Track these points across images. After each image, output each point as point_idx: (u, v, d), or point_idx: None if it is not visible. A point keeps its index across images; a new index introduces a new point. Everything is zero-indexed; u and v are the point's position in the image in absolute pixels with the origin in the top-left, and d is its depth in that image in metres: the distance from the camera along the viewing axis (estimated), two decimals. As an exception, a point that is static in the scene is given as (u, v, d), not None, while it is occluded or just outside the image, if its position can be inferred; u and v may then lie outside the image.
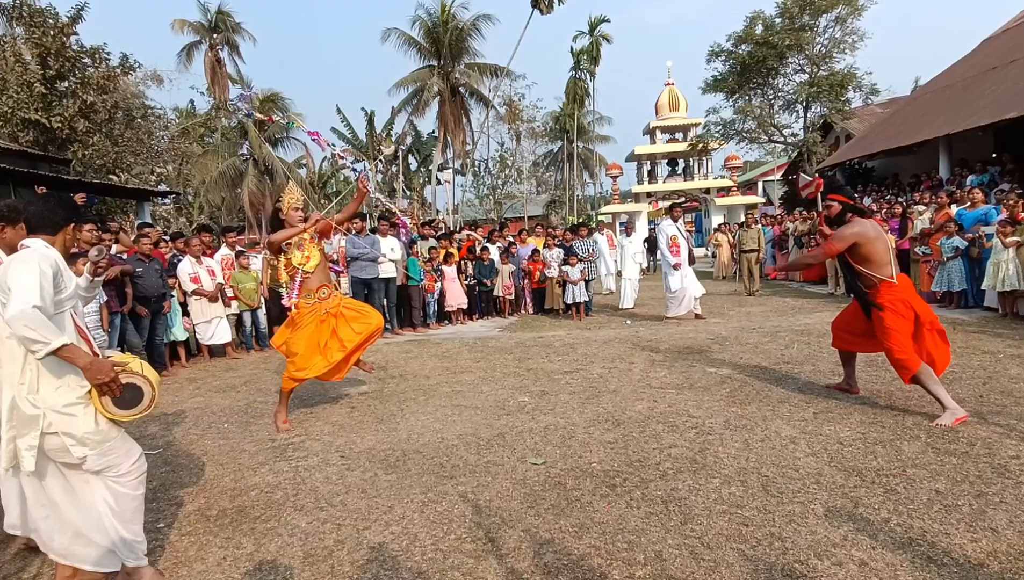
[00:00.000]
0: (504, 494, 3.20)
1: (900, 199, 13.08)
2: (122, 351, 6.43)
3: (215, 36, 28.98)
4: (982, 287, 8.16)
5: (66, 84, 15.37)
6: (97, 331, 5.71)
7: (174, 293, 7.44)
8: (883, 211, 11.61)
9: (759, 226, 14.30)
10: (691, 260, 9.02)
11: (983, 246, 8.22)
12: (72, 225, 2.53)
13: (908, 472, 3.18)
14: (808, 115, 20.13)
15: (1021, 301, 7.59)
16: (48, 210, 2.44)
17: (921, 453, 3.43)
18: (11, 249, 2.51)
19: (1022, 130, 12.74)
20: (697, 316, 9.04)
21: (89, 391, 2.29)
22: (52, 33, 14.48)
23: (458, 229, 15.64)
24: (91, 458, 2.30)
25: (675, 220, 9.18)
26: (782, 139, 21.53)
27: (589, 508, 2.98)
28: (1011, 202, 7.88)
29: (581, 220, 25.68)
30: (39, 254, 2.28)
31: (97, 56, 15.71)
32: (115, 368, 2.28)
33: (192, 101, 33.33)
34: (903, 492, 2.96)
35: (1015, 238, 7.49)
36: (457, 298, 10.05)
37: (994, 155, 13.29)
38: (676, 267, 8.80)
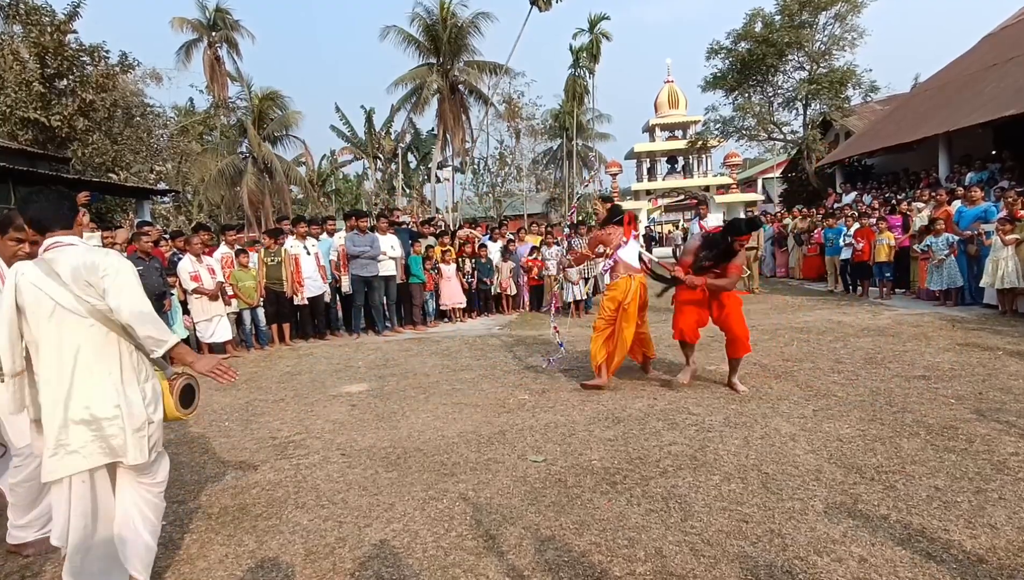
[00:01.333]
0: (505, 491, 3.21)
1: (900, 197, 13.09)
2: None
3: (214, 34, 28.89)
4: (981, 284, 8.17)
5: (65, 82, 15.34)
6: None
7: (174, 291, 7.44)
8: (883, 208, 11.62)
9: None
10: None
11: (983, 244, 8.23)
12: (77, 215, 2.51)
13: (907, 469, 3.20)
14: (808, 112, 20.10)
15: (1020, 298, 7.60)
16: (54, 205, 2.36)
17: (920, 450, 3.44)
18: (6, 260, 2.51)
19: (1022, 127, 12.75)
20: None
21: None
22: (50, 31, 14.45)
23: (458, 227, 15.63)
24: (154, 454, 2.35)
25: (703, 217, 10.08)
26: (781, 137, 21.50)
27: (590, 505, 2.99)
28: (1010, 200, 7.89)
29: (580, 218, 25.66)
30: (119, 254, 2.37)
31: (96, 54, 15.68)
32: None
33: (191, 99, 33.29)
34: (902, 489, 2.97)
35: (1015, 236, 7.50)
36: (454, 297, 10.05)
37: (993, 152, 13.29)
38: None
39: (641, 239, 18.82)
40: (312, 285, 8.57)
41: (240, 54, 29.47)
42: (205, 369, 2.34)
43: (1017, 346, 5.90)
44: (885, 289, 10.18)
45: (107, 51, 15.87)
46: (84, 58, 15.55)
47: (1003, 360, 5.39)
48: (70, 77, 15.29)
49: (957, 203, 9.41)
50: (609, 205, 5.72)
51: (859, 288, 10.74)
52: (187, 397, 2.46)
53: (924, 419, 3.95)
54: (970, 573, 2.26)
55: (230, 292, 7.92)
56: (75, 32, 15.27)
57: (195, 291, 7.50)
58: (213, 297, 7.60)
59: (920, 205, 10.56)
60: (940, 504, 2.80)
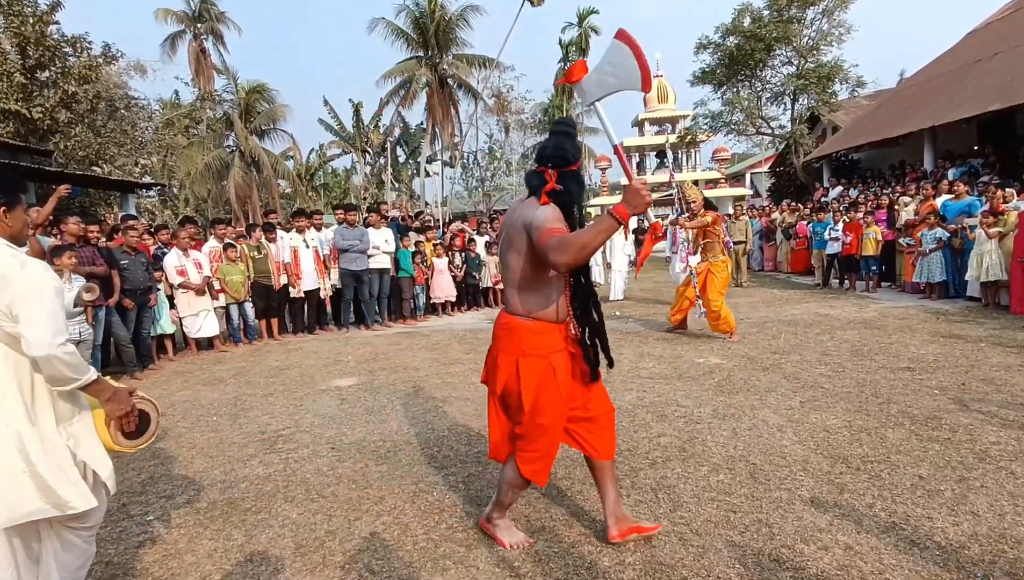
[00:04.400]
0: (494, 484, 3.21)
1: (886, 191, 13.21)
2: (102, 347, 6.37)
3: (199, 26, 28.52)
4: (966, 277, 8.28)
5: (47, 74, 15.08)
6: (83, 326, 5.65)
7: (160, 286, 7.36)
8: (870, 203, 11.73)
9: (747, 218, 14.40)
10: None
11: (967, 237, 8.34)
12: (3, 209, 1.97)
13: (892, 459, 3.24)
14: (795, 107, 20.22)
15: (1003, 291, 7.71)
16: None
17: (905, 440, 3.49)
18: (14, 240, 1.99)
19: (1005, 122, 12.91)
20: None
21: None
22: (31, 22, 14.19)
23: (449, 221, 15.60)
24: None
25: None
26: (770, 131, 21.61)
27: (579, 497, 3.00)
28: (991, 193, 7.99)
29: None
30: (43, 265, 1.93)
31: (78, 45, 15.43)
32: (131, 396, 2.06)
33: (176, 92, 32.93)
34: (887, 478, 3.01)
35: (997, 229, 7.60)
36: (446, 290, 10.05)
37: (976, 148, 13.45)
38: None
39: (633, 235, 18.90)
40: (309, 278, 8.57)
41: (226, 46, 29.18)
42: (112, 410, 2.00)
43: (999, 338, 6.00)
44: (871, 282, 10.29)
45: (90, 42, 15.63)
46: (66, 49, 15.30)
47: (985, 351, 5.47)
48: (52, 68, 15.04)
49: (942, 197, 9.52)
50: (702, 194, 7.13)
51: (846, 281, 10.85)
52: (140, 425, 2.11)
53: (909, 410, 4.00)
54: (952, 560, 2.30)
55: (217, 286, 7.86)
56: (57, 23, 15.02)
57: (181, 286, 7.42)
58: (200, 292, 7.53)
59: (906, 199, 10.67)
60: (924, 493, 2.84)
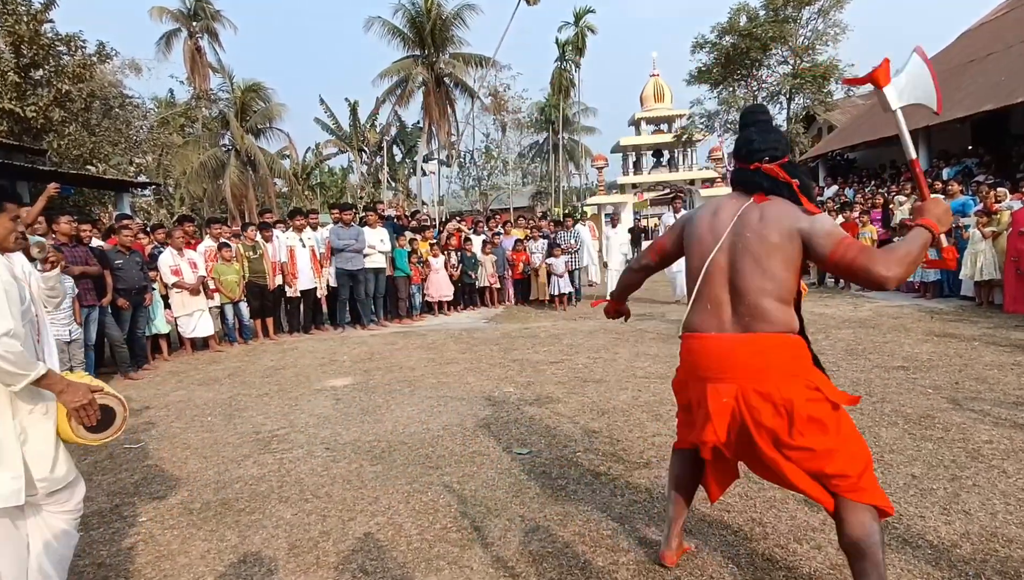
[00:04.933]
0: (490, 484, 3.22)
1: (881, 190, 13.25)
2: (96, 347, 6.34)
3: (195, 24, 28.44)
4: (960, 277, 8.32)
5: (41, 73, 14.99)
6: (72, 326, 5.63)
7: (155, 286, 7.34)
8: (865, 202, 11.76)
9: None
10: None
11: (961, 237, 8.37)
12: None
13: (886, 457, 3.25)
14: (791, 106, 20.30)
15: (997, 290, 7.74)
16: None
17: (898, 439, 3.50)
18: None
19: (999, 122, 12.97)
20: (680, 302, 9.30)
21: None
22: (25, 20, 14.10)
23: (445, 220, 15.58)
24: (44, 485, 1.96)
25: (676, 211, 9.94)
26: (766, 130, 21.68)
27: (574, 497, 3.01)
28: (984, 193, 8.03)
29: (567, 212, 25.71)
30: None
31: (73, 44, 15.34)
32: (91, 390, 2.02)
33: (171, 90, 32.74)
34: (881, 477, 3.02)
35: (991, 228, 7.63)
36: (442, 289, 10.04)
37: (969, 148, 13.50)
38: None
39: (629, 234, 18.89)
40: (306, 278, 8.56)
41: (221, 45, 29.16)
42: (67, 403, 1.96)
43: (992, 337, 6.02)
44: (866, 281, 10.31)
45: (84, 40, 15.53)
46: (60, 48, 15.20)
47: (979, 350, 5.49)
48: (46, 67, 14.95)
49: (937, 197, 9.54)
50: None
51: (841, 281, 10.88)
52: (104, 419, 2.07)
53: (902, 409, 4.01)
54: (944, 558, 2.30)
55: (212, 286, 7.84)
56: (51, 21, 14.92)
57: (176, 285, 7.40)
58: (194, 291, 7.51)
59: (901, 198, 10.70)
60: (917, 491, 2.85)
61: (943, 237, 1.87)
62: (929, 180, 11.29)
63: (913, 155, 2.06)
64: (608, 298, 2.69)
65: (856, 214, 10.64)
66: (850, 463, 1.84)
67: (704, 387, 1.99)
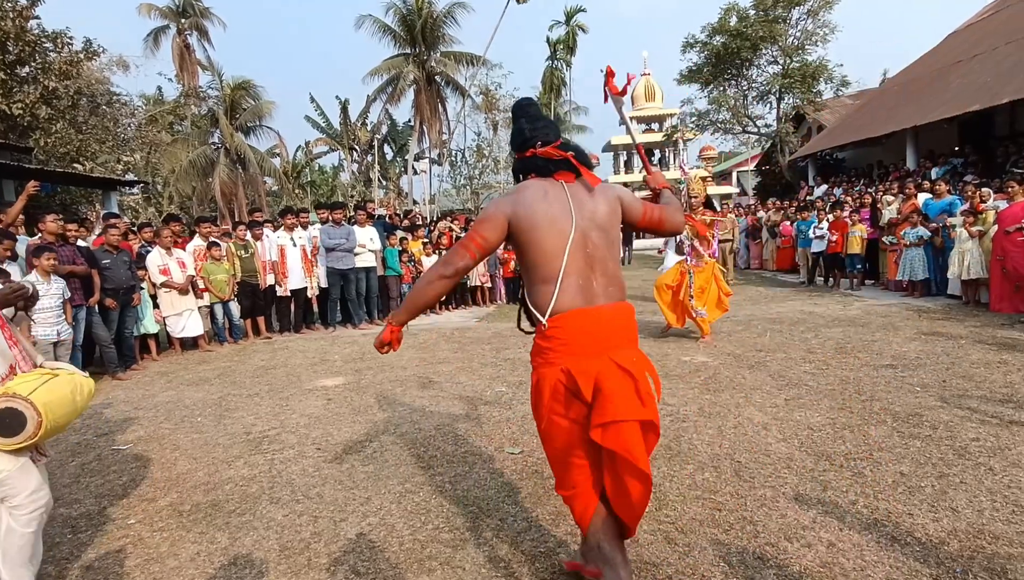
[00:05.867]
0: (481, 484, 3.21)
1: (870, 189, 13.37)
2: (84, 347, 6.28)
3: (183, 21, 28.20)
4: (947, 275, 8.40)
5: (27, 70, 14.81)
6: (62, 326, 5.57)
7: (143, 285, 7.27)
8: (854, 201, 11.86)
9: (733, 216, 14.51)
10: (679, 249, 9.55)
11: (948, 236, 8.46)
12: None
13: (875, 456, 3.28)
14: (781, 106, 20.39)
15: (983, 289, 7.83)
16: None
17: (887, 437, 3.53)
18: None
19: (984, 123, 13.11)
20: None
21: None
22: (11, 17, 13.93)
23: (437, 218, 15.55)
24: None
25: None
26: (756, 130, 21.78)
27: (566, 496, 3.01)
28: (970, 193, 8.11)
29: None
30: None
31: (59, 41, 15.17)
32: None
33: (160, 88, 32.49)
34: (870, 475, 3.05)
35: (977, 228, 7.72)
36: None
37: (956, 148, 13.64)
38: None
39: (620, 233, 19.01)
40: (296, 277, 8.52)
41: (211, 42, 28.95)
42: None
43: (979, 335, 6.09)
44: (855, 280, 10.41)
45: (71, 37, 15.35)
46: (47, 44, 15.02)
47: (966, 349, 5.55)
48: (32, 64, 14.77)
49: (924, 196, 9.64)
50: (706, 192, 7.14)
51: (831, 279, 10.97)
52: (11, 424, 2.02)
53: (891, 407, 4.05)
54: (932, 555, 2.33)
55: (201, 285, 7.78)
56: (38, 18, 14.75)
57: (164, 285, 7.34)
58: (183, 291, 7.45)
59: (889, 198, 10.80)
60: (905, 489, 2.88)
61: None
62: (917, 180, 11.41)
63: (639, 141, 2.84)
64: (390, 320, 2.24)
65: (846, 213, 10.72)
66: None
67: (602, 361, 1.95)
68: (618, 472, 1.97)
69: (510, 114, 2.53)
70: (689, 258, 6.77)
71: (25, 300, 2.28)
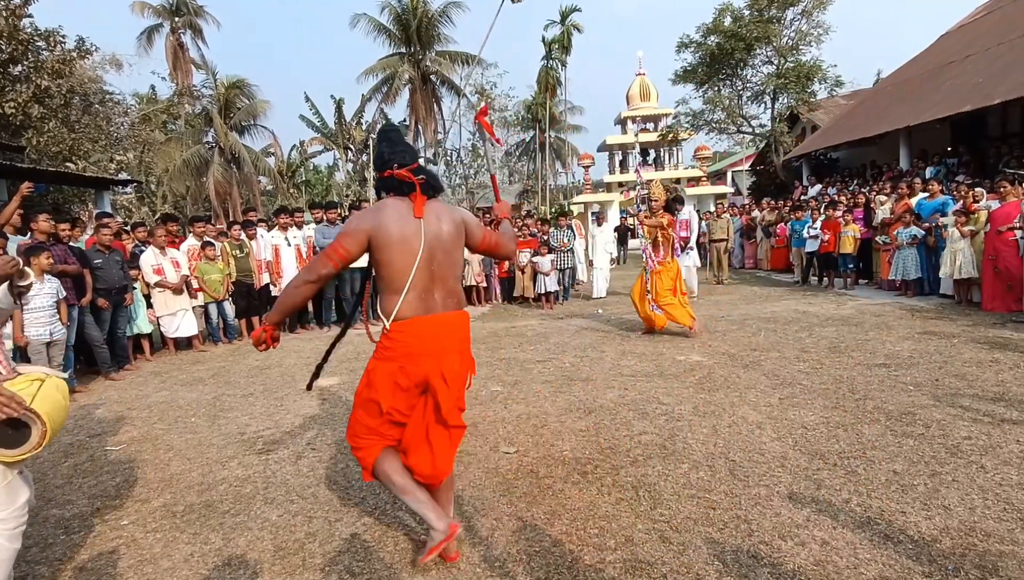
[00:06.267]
0: (477, 483, 3.21)
1: (864, 189, 13.43)
2: (76, 347, 6.24)
3: (177, 19, 28.06)
4: (940, 275, 8.45)
5: (19, 68, 14.72)
6: (55, 326, 5.53)
7: (136, 285, 7.24)
8: (848, 201, 11.91)
9: (728, 216, 14.54)
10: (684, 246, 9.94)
11: (941, 236, 8.50)
12: None
13: (868, 454, 3.30)
14: (775, 106, 20.45)
15: (975, 288, 7.88)
16: None
17: (880, 436, 3.55)
18: None
19: (977, 123, 13.20)
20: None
21: None
22: (4, 15, 13.84)
23: None
24: None
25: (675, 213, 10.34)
26: (750, 130, 21.86)
27: (561, 495, 3.01)
28: (962, 193, 8.16)
29: (556, 210, 25.76)
30: None
31: (52, 39, 15.08)
32: None
33: (153, 87, 32.38)
34: (863, 473, 3.06)
35: (969, 227, 7.77)
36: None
37: (949, 149, 13.72)
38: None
39: (615, 233, 18.96)
40: (291, 277, 8.48)
41: (205, 40, 28.77)
42: None
43: (971, 334, 6.13)
44: (849, 280, 10.45)
45: (64, 36, 15.27)
46: (39, 43, 14.94)
47: (958, 348, 5.59)
48: (25, 63, 14.68)
49: (917, 196, 9.69)
50: (670, 196, 7.31)
51: (825, 279, 11.01)
52: (13, 436, 1.98)
53: (884, 406, 4.07)
54: (925, 553, 2.34)
55: (195, 285, 7.75)
56: (30, 16, 14.66)
57: (158, 285, 7.31)
58: (177, 290, 7.42)
59: (882, 198, 10.85)
60: (898, 488, 2.89)
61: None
62: (909, 179, 11.47)
63: (494, 172, 3.31)
64: (263, 322, 2.47)
65: (839, 213, 10.76)
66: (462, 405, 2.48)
67: (439, 360, 2.33)
68: (431, 442, 2.41)
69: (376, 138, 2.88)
70: (649, 260, 7.03)
71: (20, 274, 2.25)
